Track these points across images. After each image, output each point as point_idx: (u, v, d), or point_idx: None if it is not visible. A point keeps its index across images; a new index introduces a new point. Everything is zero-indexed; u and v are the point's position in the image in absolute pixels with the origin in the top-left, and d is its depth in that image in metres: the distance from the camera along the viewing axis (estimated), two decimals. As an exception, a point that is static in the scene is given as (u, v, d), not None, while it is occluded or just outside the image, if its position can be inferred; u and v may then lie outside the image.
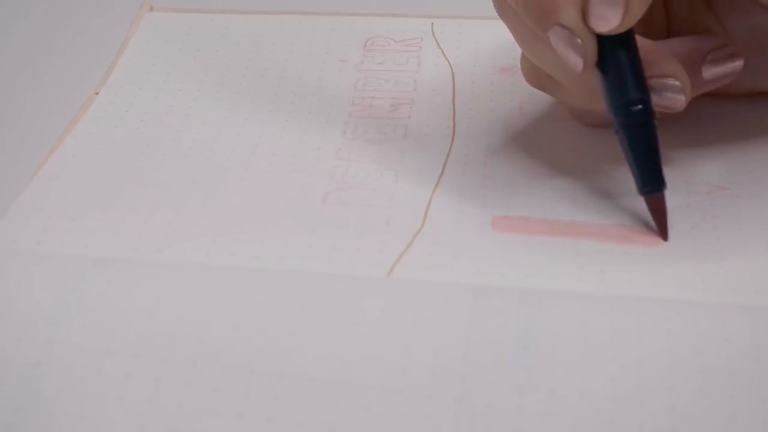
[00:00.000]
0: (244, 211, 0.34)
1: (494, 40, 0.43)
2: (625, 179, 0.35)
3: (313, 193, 0.35)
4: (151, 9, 0.46)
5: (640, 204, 0.34)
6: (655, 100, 0.33)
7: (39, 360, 0.27)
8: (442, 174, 0.36)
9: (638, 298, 0.30)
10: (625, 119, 0.32)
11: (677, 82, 0.33)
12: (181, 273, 0.30)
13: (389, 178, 0.36)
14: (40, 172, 0.36)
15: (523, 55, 0.36)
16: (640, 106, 0.32)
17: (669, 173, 0.35)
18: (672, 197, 0.34)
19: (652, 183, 0.33)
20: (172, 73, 0.42)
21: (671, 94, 0.33)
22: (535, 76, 0.36)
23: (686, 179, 0.35)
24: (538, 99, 0.39)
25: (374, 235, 0.33)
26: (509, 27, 0.34)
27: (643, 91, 0.32)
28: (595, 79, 0.33)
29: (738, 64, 0.35)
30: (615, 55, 0.32)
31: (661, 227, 0.33)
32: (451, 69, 0.42)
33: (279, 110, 0.40)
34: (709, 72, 0.35)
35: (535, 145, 0.37)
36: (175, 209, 0.34)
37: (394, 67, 0.42)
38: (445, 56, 0.42)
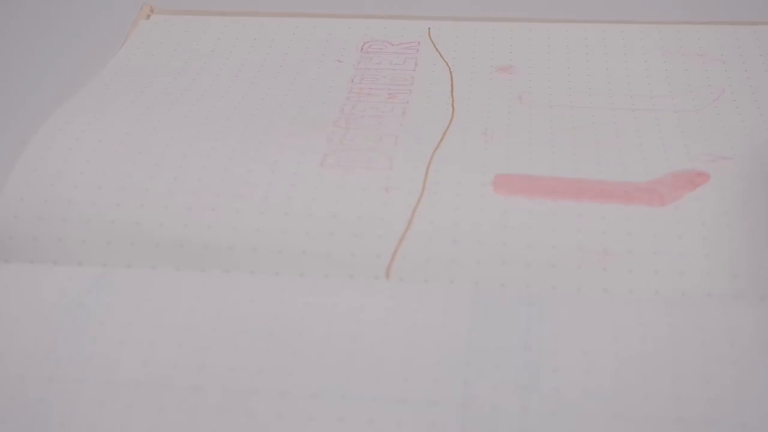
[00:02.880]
0: (240, 185, 0.34)
1: (491, 42, 0.43)
2: (629, 148, 0.35)
3: (311, 154, 0.35)
4: (151, 10, 0.46)
5: (644, 166, 0.34)
6: None
7: (42, 396, 0.27)
8: (442, 139, 0.36)
9: (639, 291, 0.30)
10: None
11: None
12: (180, 296, 0.30)
13: (389, 141, 0.36)
14: (27, 156, 0.35)
15: None
16: None
17: (670, 144, 0.35)
18: (674, 163, 0.34)
19: None
20: (166, 67, 0.42)
21: None
22: None
23: (688, 151, 0.35)
24: (539, 97, 0.39)
25: (373, 213, 0.32)
26: None
27: None
28: None
29: None
30: None
31: None
32: (449, 69, 0.42)
33: (275, 95, 0.40)
34: None
35: (537, 140, 0.37)
36: (168, 193, 0.34)
37: (391, 66, 0.42)
38: (443, 58, 0.42)
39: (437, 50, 0.43)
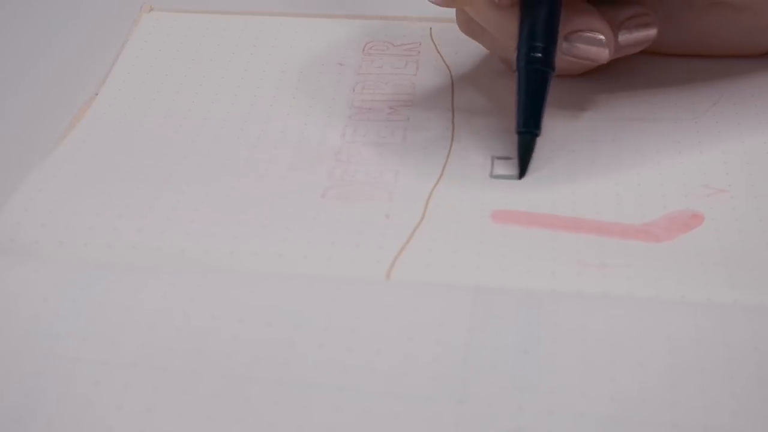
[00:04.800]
0: (242, 206, 0.34)
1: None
2: (626, 180, 0.35)
3: (312, 188, 0.35)
4: (151, 9, 0.46)
5: (640, 204, 0.34)
6: (580, 52, 0.36)
7: (38, 371, 0.27)
8: (441, 174, 0.36)
9: (638, 298, 0.30)
10: (524, 62, 0.36)
11: (602, 37, 0.36)
12: (180, 282, 0.30)
13: (389, 176, 0.36)
14: (37, 170, 0.36)
15: (458, 10, 0.40)
16: (539, 55, 0.35)
17: (667, 175, 0.35)
18: (670, 199, 0.34)
19: (527, 125, 0.36)
20: (170, 73, 0.42)
21: (596, 47, 0.36)
22: (467, 26, 0.40)
23: (684, 182, 0.35)
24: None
25: (374, 230, 0.33)
26: None
27: (549, 41, 0.35)
28: (514, 29, 0.36)
29: (652, 32, 0.38)
30: (534, 5, 0.36)
31: (521, 166, 0.36)
32: (450, 72, 0.42)
33: (278, 112, 0.40)
34: (624, 38, 0.38)
35: (536, 146, 0.37)
36: (173, 205, 0.35)
37: (393, 70, 0.42)
38: (444, 61, 0.43)
39: (438, 52, 0.43)
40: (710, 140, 0.37)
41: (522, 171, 0.36)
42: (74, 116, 0.39)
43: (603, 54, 0.36)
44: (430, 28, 0.45)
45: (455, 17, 0.40)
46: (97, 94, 0.41)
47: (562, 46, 0.36)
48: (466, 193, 0.35)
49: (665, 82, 0.40)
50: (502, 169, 0.37)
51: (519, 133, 0.36)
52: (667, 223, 0.33)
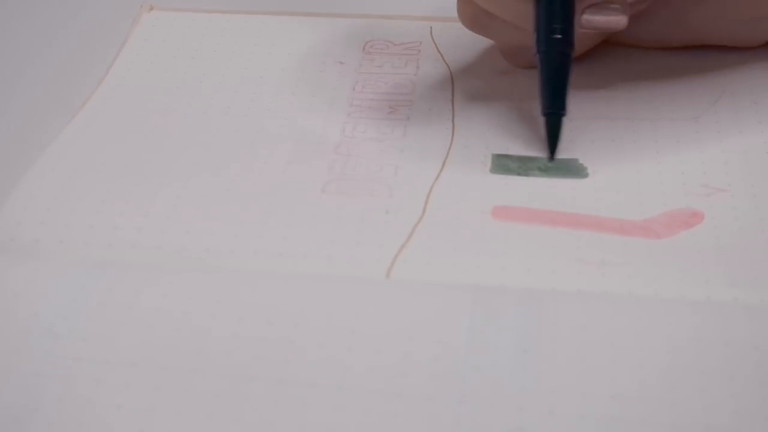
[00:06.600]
0: (242, 203, 0.35)
1: (493, 43, 0.43)
2: (625, 178, 0.35)
3: (312, 182, 0.35)
4: (151, 8, 0.46)
5: (640, 202, 0.34)
6: (600, 23, 0.36)
7: (38, 371, 0.27)
8: (441, 169, 0.36)
9: (638, 297, 0.30)
10: (544, 46, 0.36)
11: (617, 5, 0.36)
12: (180, 280, 0.30)
13: (389, 171, 0.36)
14: (36, 166, 0.36)
15: (459, 2, 0.39)
16: (559, 36, 0.35)
17: (667, 174, 0.35)
18: (670, 198, 0.34)
19: (553, 106, 0.36)
20: (170, 71, 0.42)
21: (614, 16, 0.36)
22: (472, 19, 0.39)
23: (684, 181, 0.35)
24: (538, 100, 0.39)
25: (374, 227, 0.33)
26: None
27: (567, 20, 0.36)
28: (531, 12, 0.36)
29: (622, 19, 0.37)
30: None
31: (550, 148, 0.37)
32: (450, 72, 0.42)
33: (277, 109, 0.40)
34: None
35: (536, 144, 0.37)
36: (173, 203, 0.35)
37: (393, 70, 0.42)
38: (444, 60, 0.43)
39: (439, 51, 0.43)
40: (710, 139, 0.37)
41: (552, 152, 0.36)
42: (74, 115, 0.39)
43: (622, 21, 0.36)
44: (431, 27, 0.45)
45: (456, 15, 0.40)
46: (95, 92, 0.41)
47: (581, 20, 0.36)
48: (466, 190, 0.35)
49: (665, 80, 0.40)
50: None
51: (546, 115, 0.36)
52: (667, 220, 0.33)
